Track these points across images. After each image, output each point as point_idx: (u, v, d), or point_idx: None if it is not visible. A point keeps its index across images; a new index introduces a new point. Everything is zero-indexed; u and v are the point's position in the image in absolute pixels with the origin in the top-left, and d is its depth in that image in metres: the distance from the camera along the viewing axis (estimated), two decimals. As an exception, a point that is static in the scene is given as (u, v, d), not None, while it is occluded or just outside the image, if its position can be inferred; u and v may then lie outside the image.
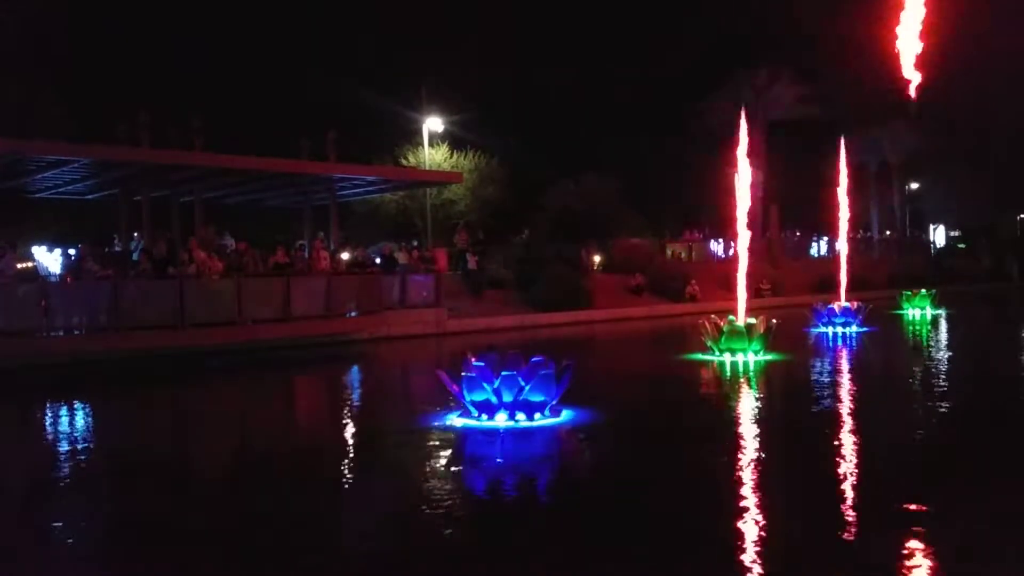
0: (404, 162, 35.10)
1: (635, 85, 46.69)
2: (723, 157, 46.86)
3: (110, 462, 8.64)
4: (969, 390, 11.91)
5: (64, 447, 9.49)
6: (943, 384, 12.46)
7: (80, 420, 11.59)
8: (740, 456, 7.77)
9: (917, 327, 23.16)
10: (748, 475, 7.11)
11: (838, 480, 6.85)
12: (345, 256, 22.20)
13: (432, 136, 34.50)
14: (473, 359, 9.27)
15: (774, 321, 15.34)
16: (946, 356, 16.80)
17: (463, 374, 9.23)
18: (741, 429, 9.23)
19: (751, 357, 14.49)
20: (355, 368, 16.91)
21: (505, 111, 42.14)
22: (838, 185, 23.87)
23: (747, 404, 11.06)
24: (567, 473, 7.69)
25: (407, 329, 21.40)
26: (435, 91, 33.29)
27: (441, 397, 10.07)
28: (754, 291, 33.43)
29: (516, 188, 36.60)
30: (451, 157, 36.18)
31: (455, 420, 9.28)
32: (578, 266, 30.33)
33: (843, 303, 21.55)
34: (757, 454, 7.88)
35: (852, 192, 25.53)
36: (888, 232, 53.77)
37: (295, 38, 44.36)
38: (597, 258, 34.29)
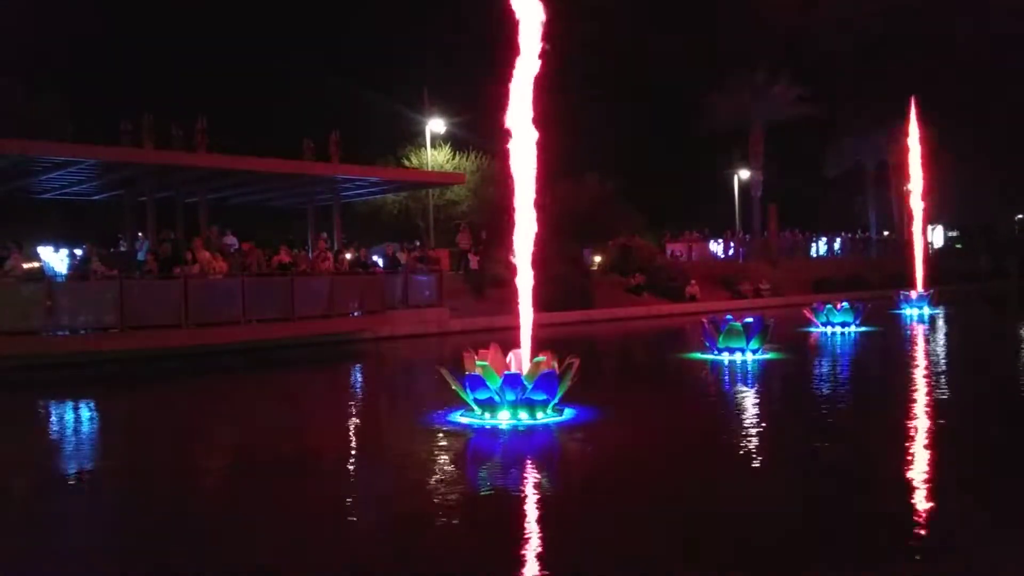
0: (406, 163, 35.28)
1: (635, 85, 46.83)
2: (723, 156, 47.09)
3: (115, 461, 8.81)
4: (965, 386, 12.07)
5: (70, 445, 9.66)
6: (941, 382, 12.60)
7: (86, 418, 11.77)
8: (740, 455, 7.94)
9: (915, 326, 23.31)
10: (748, 474, 7.28)
11: (838, 479, 7.01)
12: (348, 256, 22.39)
13: (434, 137, 34.68)
14: (476, 358, 9.44)
15: (772, 320, 15.52)
16: (943, 355, 16.96)
17: (466, 372, 9.40)
18: (740, 428, 9.39)
19: (749, 356, 14.68)
20: (358, 367, 17.07)
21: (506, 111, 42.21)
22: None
23: (745, 403, 11.23)
24: (569, 471, 7.82)
25: (410, 328, 21.58)
26: (437, 92, 33.49)
27: (444, 395, 10.21)
28: (753, 291, 33.69)
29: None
30: (453, 158, 36.36)
31: (458, 418, 9.45)
32: (578, 266, 30.47)
33: (842, 303, 21.69)
34: (757, 453, 8.04)
35: (850, 192, 25.62)
36: (886, 232, 53.86)
37: (299, 39, 44.49)
38: (598, 258, 34.44)
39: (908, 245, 32.50)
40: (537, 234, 10.13)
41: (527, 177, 9.97)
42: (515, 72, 9.77)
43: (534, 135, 9.84)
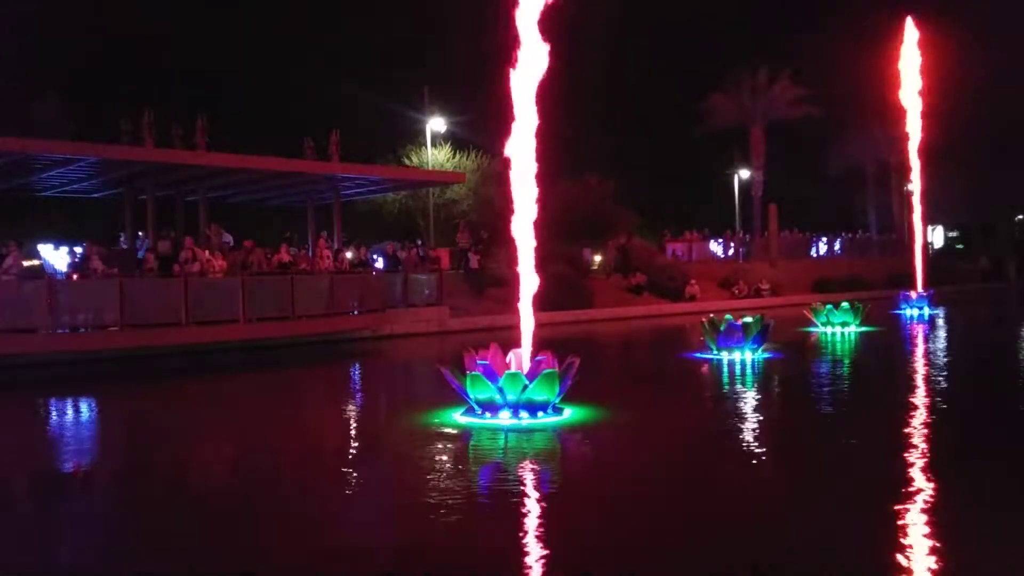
0: (407, 162, 35.28)
1: (636, 85, 46.90)
2: (723, 156, 47.13)
3: (115, 460, 8.82)
4: (961, 384, 12.09)
5: (70, 444, 9.67)
6: (939, 381, 12.62)
7: (86, 417, 11.77)
8: (739, 454, 7.95)
9: (914, 327, 23.33)
10: (748, 473, 7.29)
11: (837, 477, 7.02)
12: (349, 255, 22.41)
13: (435, 136, 34.71)
14: (476, 357, 9.45)
15: (772, 320, 15.52)
16: (942, 355, 16.98)
17: (467, 372, 9.41)
18: (739, 427, 9.40)
19: (748, 356, 14.70)
20: (358, 366, 17.08)
21: (505, 111, 42.26)
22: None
23: (744, 402, 11.23)
24: (569, 471, 7.84)
25: (410, 327, 21.60)
26: (437, 91, 33.51)
27: (445, 395, 10.22)
28: (753, 291, 33.70)
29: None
30: (453, 157, 36.37)
31: (459, 418, 9.46)
32: (578, 266, 30.49)
33: (842, 304, 21.70)
34: (756, 452, 8.06)
35: (850, 192, 25.62)
36: (886, 232, 53.87)
37: (299, 38, 44.49)
38: (598, 258, 34.45)
39: (909, 244, 32.49)
40: (537, 234, 10.13)
41: (527, 174, 9.97)
42: (516, 65, 9.81)
43: (534, 123, 9.82)
